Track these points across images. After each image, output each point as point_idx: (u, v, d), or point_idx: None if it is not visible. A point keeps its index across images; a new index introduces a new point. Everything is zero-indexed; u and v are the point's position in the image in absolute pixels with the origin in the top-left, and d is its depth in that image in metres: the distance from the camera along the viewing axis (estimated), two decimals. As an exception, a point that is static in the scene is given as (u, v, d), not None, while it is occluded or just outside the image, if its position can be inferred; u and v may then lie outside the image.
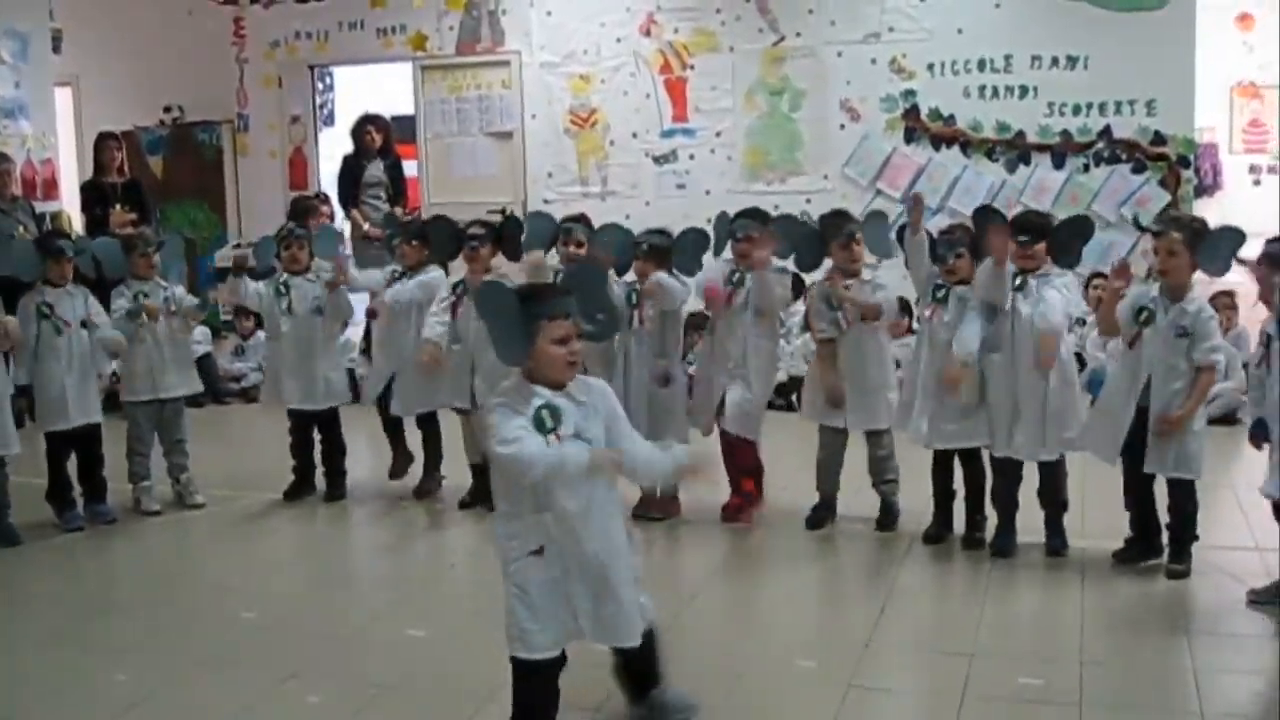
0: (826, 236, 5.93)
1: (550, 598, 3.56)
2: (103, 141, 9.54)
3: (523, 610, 3.56)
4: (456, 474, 6.68)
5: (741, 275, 5.97)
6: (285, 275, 6.71)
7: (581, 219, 6.44)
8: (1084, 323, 7.96)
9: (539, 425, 3.49)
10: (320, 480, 6.83)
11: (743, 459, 6.06)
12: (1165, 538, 5.25)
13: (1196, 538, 5.20)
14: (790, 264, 6.13)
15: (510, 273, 6.52)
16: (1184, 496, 5.15)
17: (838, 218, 6.02)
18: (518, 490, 3.54)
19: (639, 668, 3.82)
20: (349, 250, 6.94)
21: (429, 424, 6.78)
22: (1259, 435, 4.89)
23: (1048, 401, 5.37)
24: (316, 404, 6.72)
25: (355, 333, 8.99)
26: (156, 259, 6.51)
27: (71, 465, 6.39)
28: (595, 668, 4.21)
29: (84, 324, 6.27)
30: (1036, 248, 5.39)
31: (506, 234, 6.44)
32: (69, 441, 6.31)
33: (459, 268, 6.57)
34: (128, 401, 6.54)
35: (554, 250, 6.40)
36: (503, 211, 6.83)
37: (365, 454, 7.46)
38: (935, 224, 6.73)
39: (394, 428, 6.89)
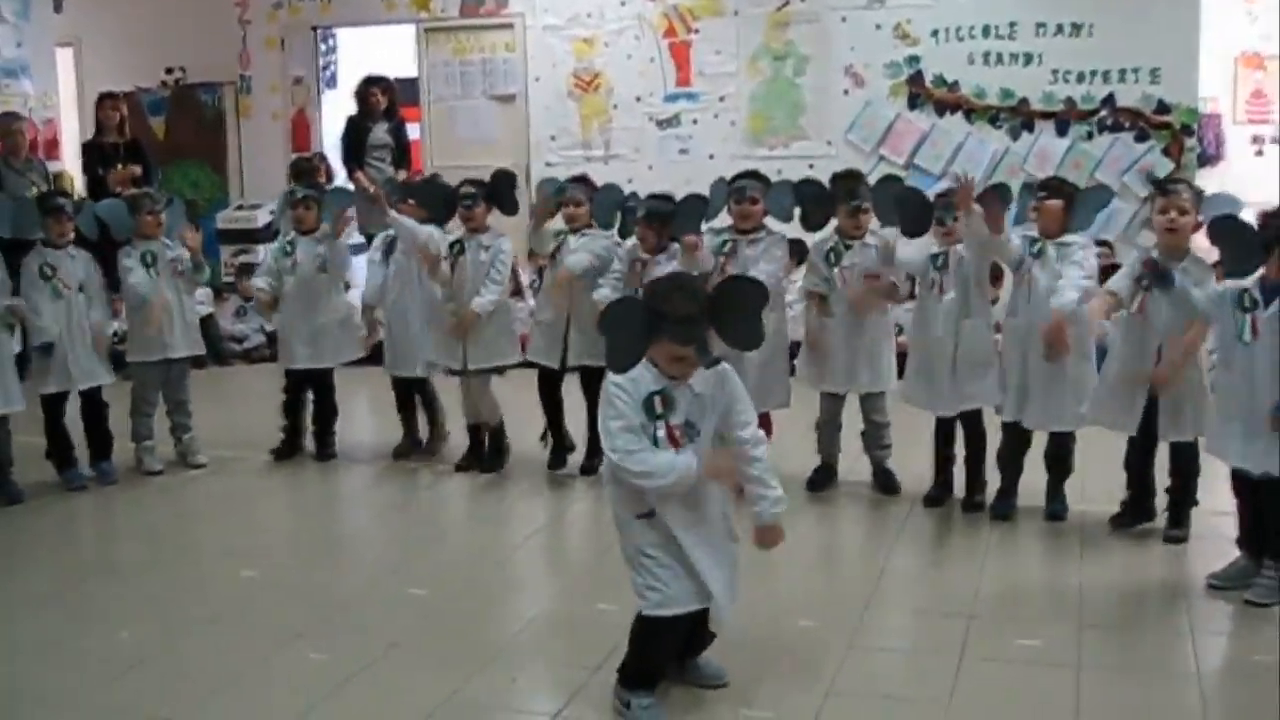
0: (836, 198, 5.91)
1: (671, 558, 3.60)
2: (103, 102, 9.52)
3: (642, 570, 3.62)
4: (460, 433, 6.68)
5: (734, 245, 5.90)
6: (292, 234, 6.72)
7: (583, 179, 6.40)
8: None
9: (648, 410, 3.52)
10: (310, 441, 6.82)
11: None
12: (1163, 501, 5.26)
13: (1196, 503, 5.22)
14: (785, 227, 6.06)
15: (506, 229, 6.51)
16: (1187, 461, 5.16)
17: (849, 180, 5.99)
18: None
19: (700, 633, 3.83)
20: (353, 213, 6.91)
21: (424, 386, 6.78)
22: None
23: (1063, 372, 5.34)
24: (324, 361, 6.70)
25: (356, 294, 8.98)
26: (164, 217, 6.50)
27: (75, 424, 6.40)
28: (595, 627, 4.27)
29: (81, 288, 6.25)
30: (1050, 203, 5.35)
31: (499, 190, 6.39)
32: (67, 402, 6.31)
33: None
34: (134, 361, 6.54)
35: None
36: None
37: (367, 414, 7.47)
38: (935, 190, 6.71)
39: (407, 408, 6.85)
